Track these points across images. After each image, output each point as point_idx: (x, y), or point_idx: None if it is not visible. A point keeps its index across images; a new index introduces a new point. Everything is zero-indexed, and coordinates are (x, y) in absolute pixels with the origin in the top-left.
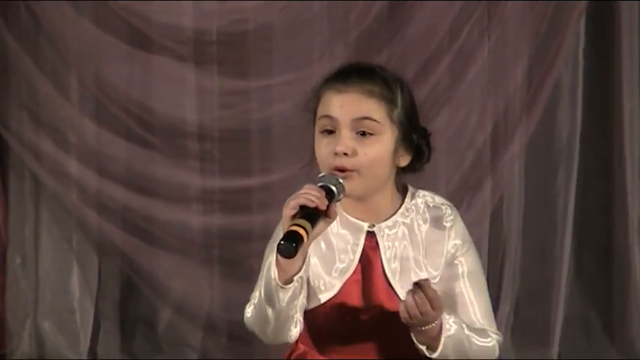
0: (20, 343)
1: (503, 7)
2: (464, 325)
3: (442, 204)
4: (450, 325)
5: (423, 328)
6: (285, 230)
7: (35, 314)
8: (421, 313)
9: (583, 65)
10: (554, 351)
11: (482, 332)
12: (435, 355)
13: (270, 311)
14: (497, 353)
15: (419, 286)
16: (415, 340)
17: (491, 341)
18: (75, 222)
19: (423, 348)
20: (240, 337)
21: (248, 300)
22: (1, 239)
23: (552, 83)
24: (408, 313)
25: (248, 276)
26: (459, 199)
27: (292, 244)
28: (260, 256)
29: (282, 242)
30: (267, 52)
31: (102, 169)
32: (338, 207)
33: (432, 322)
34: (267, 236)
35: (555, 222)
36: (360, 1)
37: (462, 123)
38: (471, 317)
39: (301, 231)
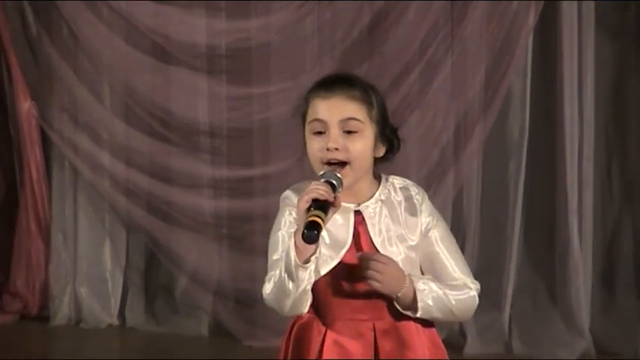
0: (61, 307)
1: (464, 27)
2: (438, 286)
3: (409, 185)
4: (421, 286)
5: (399, 295)
6: (306, 221)
7: (74, 282)
8: (383, 273)
9: (531, 75)
10: (506, 314)
11: (459, 287)
12: (419, 315)
13: (292, 287)
14: (477, 301)
15: (363, 256)
16: (399, 308)
17: (471, 291)
18: (107, 205)
19: (408, 312)
20: (244, 301)
21: (250, 270)
22: (46, 219)
23: (505, 90)
24: (374, 279)
25: (251, 250)
26: (426, 187)
27: (314, 232)
28: (260, 233)
29: (305, 231)
30: (267, 64)
31: (129, 161)
32: None
33: (400, 286)
34: (266, 217)
35: (507, 205)
36: (345, 23)
37: (430, 124)
38: (450, 274)
39: (319, 220)
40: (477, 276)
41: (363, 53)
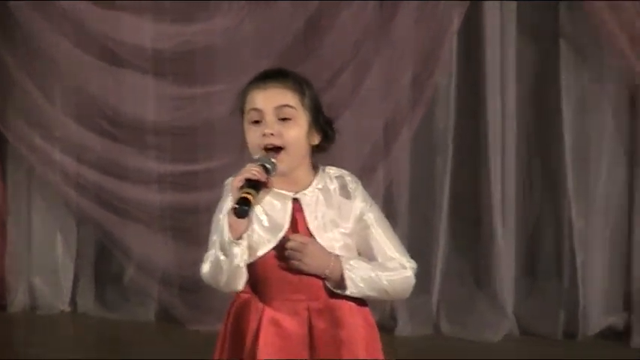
0: (17, 295)
1: (393, 30)
2: (370, 266)
3: (343, 174)
4: (349, 265)
5: (326, 273)
6: (237, 197)
7: (28, 272)
8: (302, 253)
9: (456, 75)
10: (435, 298)
11: (394, 267)
12: (348, 292)
13: (225, 264)
14: (413, 279)
15: (286, 238)
16: (330, 286)
17: (406, 271)
18: (59, 199)
19: (339, 290)
20: (189, 288)
21: (195, 259)
22: (2, 214)
23: (432, 89)
24: (295, 258)
25: (195, 241)
26: (359, 179)
27: (245, 207)
28: (204, 225)
29: (237, 206)
30: (210, 66)
31: (80, 158)
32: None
33: (324, 265)
34: (210, 210)
35: (435, 197)
36: (281, 26)
37: (362, 120)
38: (386, 253)
39: (249, 197)
40: None
41: (299, 54)
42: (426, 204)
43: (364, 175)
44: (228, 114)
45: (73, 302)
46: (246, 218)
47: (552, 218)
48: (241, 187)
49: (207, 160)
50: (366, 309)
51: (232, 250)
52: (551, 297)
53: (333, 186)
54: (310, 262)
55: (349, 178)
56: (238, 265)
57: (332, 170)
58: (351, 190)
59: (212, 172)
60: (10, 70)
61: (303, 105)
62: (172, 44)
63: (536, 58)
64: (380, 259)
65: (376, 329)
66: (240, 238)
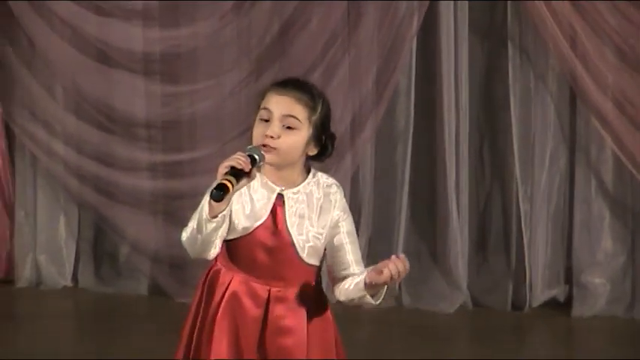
0: (24, 272)
1: (359, 33)
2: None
3: (333, 184)
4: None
5: (377, 285)
6: (217, 182)
7: (34, 251)
8: (398, 277)
9: (415, 72)
10: None
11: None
12: (375, 303)
13: (199, 236)
14: None
15: (395, 262)
16: (368, 293)
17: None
18: (61, 186)
19: (371, 300)
20: (177, 265)
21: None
22: (10, 199)
23: (393, 87)
24: (393, 277)
25: (182, 223)
26: (328, 168)
27: (220, 192)
28: (190, 208)
29: (214, 190)
30: (194, 66)
31: (79, 149)
32: (261, 173)
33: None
34: (195, 195)
35: (396, 182)
36: (258, 31)
37: (331, 114)
38: (347, 261)
39: (228, 184)
40: (371, 241)
41: (274, 56)
42: (389, 188)
43: (333, 163)
44: (210, 110)
45: (74, 278)
46: (223, 201)
47: (501, 201)
48: (225, 173)
49: (192, 151)
50: (326, 305)
51: (206, 226)
52: (501, 272)
53: (318, 195)
54: (397, 280)
55: (335, 189)
56: (210, 240)
57: (322, 178)
58: (332, 200)
59: (196, 161)
60: (14, 69)
61: (309, 120)
62: (160, 47)
63: (487, 57)
64: (342, 264)
65: (332, 321)
66: (215, 216)
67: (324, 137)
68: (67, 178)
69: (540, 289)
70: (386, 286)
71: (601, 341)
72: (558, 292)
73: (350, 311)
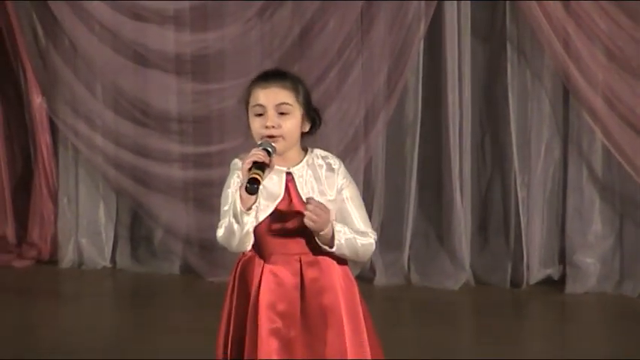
0: (67, 253)
1: (371, 35)
2: (350, 230)
3: (329, 155)
4: (339, 228)
5: (322, 233)
6: (248, 177)
7: (76, 234)
8: (317, 216)
9: (422, 72)
10: (406, 254)
11: (363, 234)
12: (334, 249)
13: (237, 230)
14: (374, 246)
15: (309, 200)
16: (318, 242)
17: (371, 238)
18: (100, 175)
19: (325, 247)
20: (207, 247)
21: (211, 223)
22: (54, 186)
23: (403, 84)
24: (311, 219)
25: (211, 209)
26: (343, 159)
27: (254, 185)
28: (218, 196)
29: (248, 185)
30: (222, 66)
31: (117, 142)
32: None
33: (326, 227)
34: (223, 183)
35: (405, 171)
36: (280, 34)
37: (345, 111)
38: (355, 224)
39: (258, 177)
40: (382, 225)
41: (295, 57)
42: (398, 177)
43: (348, 154)
44: (237, 106)
45: (113, 259)
46: (255, 194)
47: (501, 188)
48: (250, 169)
49: (220, 143)
50: (346, 267)
51: (243, 219)
52: (500, 253)
53: (320, 163)
54: (319, 224)
55: (334, 159)
56: (248, 231)
57: (319, 152)
58: (334, 167)
59: (224, 152)
60: (59, 70)
61: (297, 101)
62: (190, 49)
63: (487, 57)
64: (350, 228)
65: (354, 281)
66: (249, 209)
67: (311, 112)
68: (105, 168)
69: (537, 268)
70: (324, 230)
71: (592, 315)
72: (553, 270)
73: (362, 288)
